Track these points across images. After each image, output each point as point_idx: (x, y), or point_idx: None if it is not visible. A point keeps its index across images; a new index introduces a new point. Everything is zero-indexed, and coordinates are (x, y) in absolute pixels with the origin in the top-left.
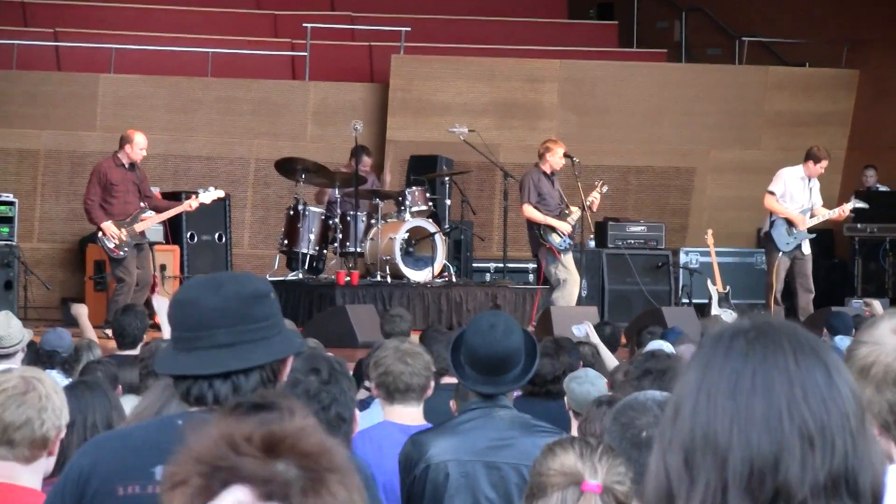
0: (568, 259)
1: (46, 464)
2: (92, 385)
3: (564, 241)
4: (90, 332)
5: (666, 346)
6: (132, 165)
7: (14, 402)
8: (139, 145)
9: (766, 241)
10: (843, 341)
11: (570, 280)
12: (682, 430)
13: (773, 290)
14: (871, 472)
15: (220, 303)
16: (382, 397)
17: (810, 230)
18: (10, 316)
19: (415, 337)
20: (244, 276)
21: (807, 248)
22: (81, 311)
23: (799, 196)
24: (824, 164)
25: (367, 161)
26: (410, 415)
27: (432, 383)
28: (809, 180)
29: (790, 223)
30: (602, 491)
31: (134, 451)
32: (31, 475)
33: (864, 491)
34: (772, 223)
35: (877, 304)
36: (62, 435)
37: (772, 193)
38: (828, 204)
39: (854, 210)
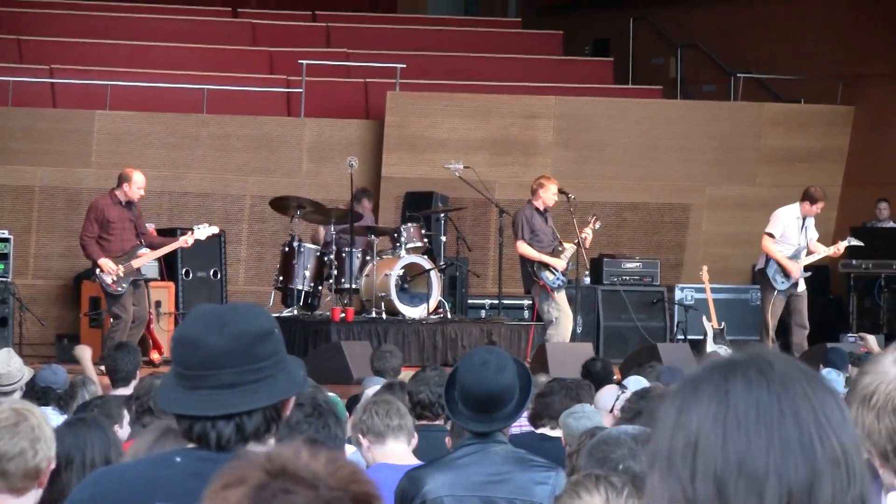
0: (561, 297)
1: (35, 496)
2: (90, 422)
3: (558, 279)
4: (92, 374)
5: (644, 382)
6: (129, 203)
7: (7, 432)
8: (137, 184)
9: (761, 279)
10: (830, 374)
11: (562, 318)
12: (710, 461)
13: (767, 328)
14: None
15: (225, 343)
16: (372, 441)
17: (807, 268)
18: (12, 353)
19: (407, 374)
20: (249, 312)
21: (802, 285)
22: (85, 353)
23: (794, 236)
24: (821, 205)
25: (366, 205)
26: (403, 453)
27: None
28: (804, 219)
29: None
30: None
31: (131, 487)
32: None
33: None
34: (767, 261)
35: (871, 339)
36: (52, 466)
37: (770, 236)
38: (823, 241)
39: (849, 247)
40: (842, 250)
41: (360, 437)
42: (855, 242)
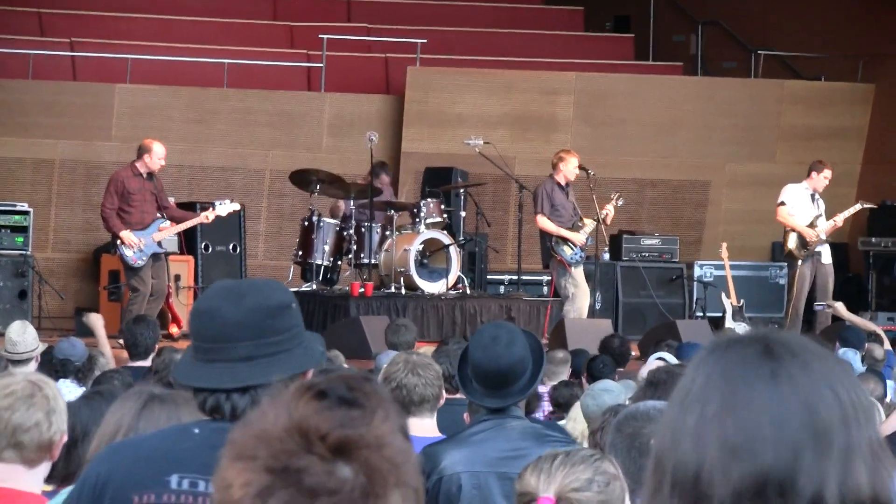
0: (578, 272)
1: (46, 468)
2: (107, 395)
3: (576, 254)
4: (105, 344)
5: (669, 358)
6: (150, 175)
7: (23, 404)
8: (157, 154)
9: (787, 258)
10: (846, 354)
11: (578, 294)
12: (658, 437)
13: (792, 303)
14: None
15: (242, 316)
16: None
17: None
18: (27, 325)
19: (427, 349)
20: (267, 286)
21: (827, 258)
22: (97, 321)
23: (807, 209)
24: (827, 173)
25: (384, 179)
26: (425, 427)
27: (444, 394)
28: (815, 193)
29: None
30: (557, 501)
31: (149, 459)
32: (33, 480)
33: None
34: (788, 238)
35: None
36: (65, 439)
37: (783, 204)
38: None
39: (867, 210)
40: (839, 224)
41: None
42: (868, 204)
